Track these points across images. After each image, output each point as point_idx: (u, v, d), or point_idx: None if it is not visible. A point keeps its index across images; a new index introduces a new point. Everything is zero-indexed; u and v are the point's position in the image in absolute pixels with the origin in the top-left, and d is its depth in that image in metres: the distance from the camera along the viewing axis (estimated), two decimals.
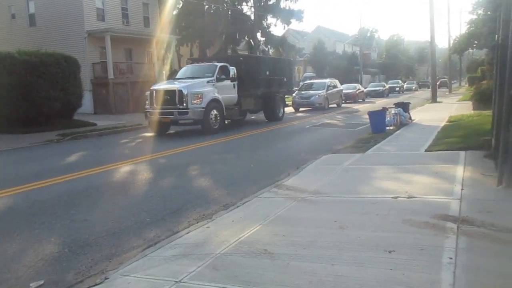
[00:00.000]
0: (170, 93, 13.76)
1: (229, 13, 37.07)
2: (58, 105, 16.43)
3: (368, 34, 78.50)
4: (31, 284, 3.64)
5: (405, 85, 55.89)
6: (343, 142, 11.12)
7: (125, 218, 5.39)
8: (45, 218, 5.52)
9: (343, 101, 29.84)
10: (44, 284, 3.66)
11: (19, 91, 15.47)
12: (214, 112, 14.17)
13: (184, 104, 13.41)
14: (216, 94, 14.47)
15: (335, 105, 26.98)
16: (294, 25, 43.55)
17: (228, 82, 15.41)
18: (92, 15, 25.22)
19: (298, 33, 66.92)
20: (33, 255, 4.30)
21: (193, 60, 20.31)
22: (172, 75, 17.05)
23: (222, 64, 15.52)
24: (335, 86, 27.43)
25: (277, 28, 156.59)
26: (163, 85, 14.88)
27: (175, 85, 14.08)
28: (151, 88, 14.62)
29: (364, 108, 24.85)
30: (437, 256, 3.41)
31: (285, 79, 19.99)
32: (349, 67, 58.46)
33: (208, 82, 14.46)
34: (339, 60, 60.87)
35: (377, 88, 42.02)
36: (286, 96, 22.03)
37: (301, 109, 25.02)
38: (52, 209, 5.91)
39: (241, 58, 17.74)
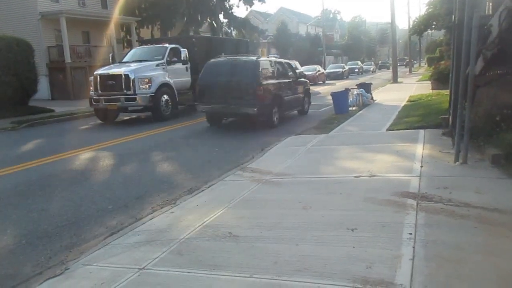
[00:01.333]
0: (115, 78, 12.72)
1: None
2: (11, 91, 15.64)
3: (331, 16, 79.14)
4: None
5: (364, 67, 54.38)
6: (307, 123, 11.20)
7: (86, 206, 5.24)
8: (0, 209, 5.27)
9: None
10: (0, 278, 3.50)
11: None
12: (165, 97, 13.32)
13: (132, 90, 12.46)
14: (167, 78, 13.56)
15: None
16: (257, 6, 43.40)
17: (180, 65, 14.51)
18: None
19: (261, 14, 66.46)
20: None
21: (142, 42, 19.00)
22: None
23: (172, 46, 14.51)
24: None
25: (239, 9, 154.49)
26: (107, 70, 13.47)
27: (121, 69, 12.93)
28: (95, 73, 13.27)
29: (325, 90, 24.80)
30: (398, 232, 3.50)
31: None
32: (313, 48, 58.70)
33: (157, 65, 13.51)
34: (303, 41, 61.00)
35: (337, 70, 40.26)
36: None
37: None
38: (7, 199, 5.66)
39: (193, 40, 16.65)
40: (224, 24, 39.10)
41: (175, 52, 14.38)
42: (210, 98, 10.95)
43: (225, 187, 5.47)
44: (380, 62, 71.50)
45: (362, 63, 58.39)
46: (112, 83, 12.69)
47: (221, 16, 37.44)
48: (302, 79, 13.85)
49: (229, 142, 9.33)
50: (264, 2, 41.99)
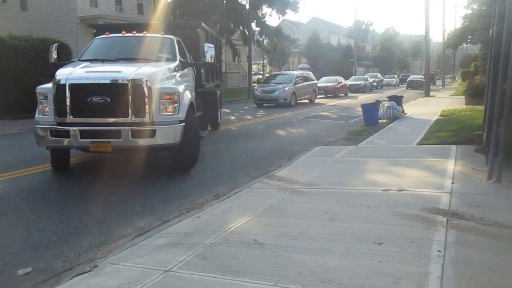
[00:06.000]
0: (110, 90, 6.37)
1: (224, 2, 36.72)
2: None
3: (363, 27, 78.45)
4: (18, 271, 3.61)
5: (385, 80, 49.08)
6: (336, 134, 11.13)
7: (115, 206, 5.36)
8: (34, 205, 5.47)
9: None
10: (32, 271, 3.63)
11: (9, 76, 15.24)
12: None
13: (147, 114, 6.34)
14: (190, 95, 7.50)
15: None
16: (290, 15, 43.56)
17: (190, 71, 8.91)
18: (85, 0, 24.89)
19: (293, 23, 66.72)
20: (21, 242, 4.26)
21: (96, 28, 11.55)
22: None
23: (176, 38, 8.65)
24: (306, 79, 23.90)
25: (272, 18, 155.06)
26: (88, 72, 6.91)
27: (120, 74, 6.54)
28: (57, 79, 6.47)
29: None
30: (426, 248, 3.43)
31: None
32: (344, 59, 58.38)
33: (173, 70, 7.52)
34: (334, 52, 60.77)
35: (358, 82, 36.98)
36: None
37: (265, 105, 21.65)
38: (41, 195, 5.86)
39: (198, 30, 10.59)
40: (256, 33, 39.39)
41: (180, 48, 8.65)
42: None
43: (252, 194, 5.49)
44: (401, 75, 63.57)
45: (382, 75, 52.59)
46: (101, 101, 6.27)
47: (253, 25, 37.73)
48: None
49: (256, 150, 9.37)
50: (297, 11, 42.13)
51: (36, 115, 6.68)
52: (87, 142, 6.38)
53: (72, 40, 22.69)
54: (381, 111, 13.31)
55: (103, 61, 7.53)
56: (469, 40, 29.58)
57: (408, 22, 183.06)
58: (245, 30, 37.37)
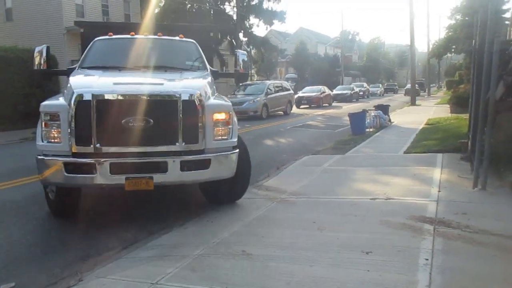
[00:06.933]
0: (153, 108, 4.66)
1: (212, 12, 36.94)
2: (35, 102, 15.97)
3: (350, 37, 79.45)
4: (1, 287, 3.53)
5: (370, 89, 48.81)
6: (323, 144, 11.17)
7: (101, 218, 5.29)
8: (17, 218, 5.36)
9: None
10: (15, 286, 3.54)
11: None
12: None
13: (198, 139, 4.77)
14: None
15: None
16: (277, 26, 43.74)
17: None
18: (71, 11, 24.78)
19: (280, 34, 67.12)
20: (3, 257, 4.16)
21: (83, 26, 8.80)
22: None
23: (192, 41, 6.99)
24: (281, 89, 22.60)
25: (259, 28, 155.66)
26: (118, 84, 4.96)
27: (162, 87, 5.07)
28: (76, 92, 4.59)
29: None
30: (414, 257, 3.44)
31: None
32: (331, 69, 58.83)
33: (211, 81, 5.85)
34: (321, 62, 61.23)
35: (344, 92, 36.78)
36: None
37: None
38: (25, 209, 5.75)
39: (211, 34, 9.70)
40: (243, 43, 39.61)
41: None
42: None
43: (239, 205, 5.47)
44: (386, 84, 63.39)
45: (368, 84, 52.04)
46: (142, 123, 4.61)
47: (241, 35, 37.97)
48: None
49: None
50: (284, 22, 42.57)
51: (40, 142, 4.70)
52: (120, 179, 4.58)
53: (59, 50, 22.51)
54: (368, 120, 13.44)
55: (119, 69, 5.83)
56: (453, 50, 30.19)
57: (393, 32, 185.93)
58: (233, 40, 37.58)
